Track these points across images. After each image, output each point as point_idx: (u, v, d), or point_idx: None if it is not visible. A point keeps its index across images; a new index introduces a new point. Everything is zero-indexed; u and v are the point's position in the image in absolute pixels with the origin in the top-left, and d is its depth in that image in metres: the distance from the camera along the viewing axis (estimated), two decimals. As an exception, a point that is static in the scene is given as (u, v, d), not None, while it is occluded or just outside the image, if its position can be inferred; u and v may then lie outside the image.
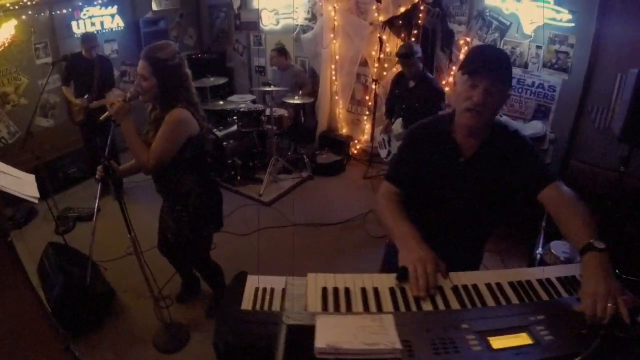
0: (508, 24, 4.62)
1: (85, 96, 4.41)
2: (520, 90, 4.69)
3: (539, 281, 1.34)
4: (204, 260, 2.93)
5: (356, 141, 5.95)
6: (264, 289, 1.30)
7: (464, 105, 1.50)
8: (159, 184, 2.54)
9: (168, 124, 2.26)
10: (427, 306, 1.22)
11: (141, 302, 3.23)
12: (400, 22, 5.18)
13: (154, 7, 6.07)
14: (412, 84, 3.83)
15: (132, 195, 4.92)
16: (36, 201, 2.83)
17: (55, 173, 4.92)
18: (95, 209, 2.34)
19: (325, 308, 1.20)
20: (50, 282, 2.98)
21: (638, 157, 3.45)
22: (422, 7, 4.95)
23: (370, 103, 5.65)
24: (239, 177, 5.11)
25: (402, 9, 5.08)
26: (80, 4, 5.21)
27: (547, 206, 1.52)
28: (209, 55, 6.64)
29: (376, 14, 5.23)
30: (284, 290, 1.29)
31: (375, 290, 1.29)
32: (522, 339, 1.07)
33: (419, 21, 5.01)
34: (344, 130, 6.03)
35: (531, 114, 4.69)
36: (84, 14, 5.28)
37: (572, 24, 4.21)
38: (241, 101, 5.60)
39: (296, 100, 5.15)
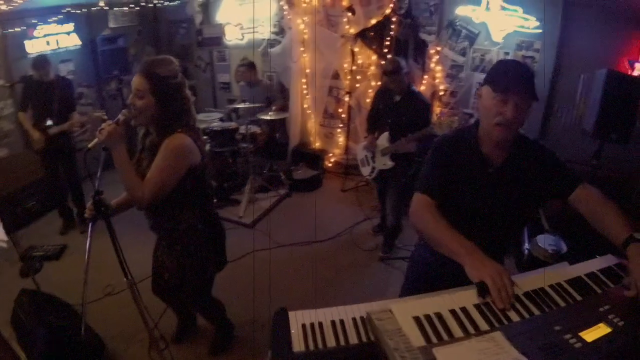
0: (477, 32, 4.80)
1: (48, 123, 4.02)
2: None
3: (587, 275, 1.42)
4: (205, 299, 2.65)
5: (330, 154, 5.87)
6: (312, 325, 1.28)
7: (496, 120, 1.56)
8: (154, 221, 2.23)
9: (167, 151, 1.96)
10: (514, 317, 1.23)
11: (133, 348, 2.90)
12: (372, 33, 5.19)
13: (111, 24, 5.71)
14: (397, 98, 3.74)
15: (97, 229, 4.42)
16: (5, 245, 2.52)
17: (13, 208, 4.44)
18: (87, 251, 1.98)
19: (428, 340, 1.14)
20: (28, 336, 2.60)
21: (608, 151, 3.65)
22: (394, 19, 4.97)
23: (343, 115, 5.60)
24: (214, 200, 4.84)
25: (374, 21, 5.12)
26: (34, 21, 4.81)
27: (579, 206, 1.61)
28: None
29: (347, 26, 5.21)
30: (333, 324, 1.29)
31: (464, 311, 1.26)
32: (602, 329, 1.13)
33: (392, 32, 5.01)
34: (317, 144, 5.95)
35: None
36: (38, 32, 4.88)
37: (539, 31, 4.45)
38: (209, 120, 5.34)
39: (270, 116, 4.98)
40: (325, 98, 5.64)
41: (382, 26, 5.09)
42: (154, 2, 5.95)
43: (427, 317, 1.22)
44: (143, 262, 2.55)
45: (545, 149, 1.70)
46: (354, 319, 1.34)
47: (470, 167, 1.68)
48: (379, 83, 5.27)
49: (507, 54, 4.69)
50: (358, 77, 5.38)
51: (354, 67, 5.28)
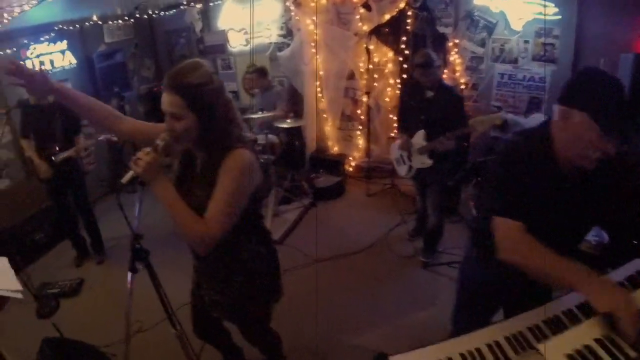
0: (495, 22, 4.65)
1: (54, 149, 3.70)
2: (512, 85, 4.75)
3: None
4: (265, 332, 2.31)
5: (350, 158, 5.60)
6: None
7: (594, 155, 1.41)
8: (211, 256, 1.79)
9: (234, 173, 1.61)
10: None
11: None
12: (387, 29, 4.97)
13: (106, 38, 5.38)
14: (430, 93, 3.50)
15: (114, 257, 4.27)
16: (20, 295, 2.21)
17: (20, 242, 4.10)
18: (127, 308, 1.65)
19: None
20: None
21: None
22: (409, 13, 4.75)
23: (362, 117, 5.34)
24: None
25: (388, 16, 4.91)
26: (25, 41, 4.47)
27: None
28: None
29: (360, 24, 4.97)
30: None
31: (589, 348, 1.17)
32: None
33: (408, 27, 4.78)
34: (336, 149, 5.69)
35: (525, 107, 4.73)
36: (31, 53, 4.56)
37: (559, 17, 4.32)
38: None
39: (288, 124, 4.69)
40: (342, 100, 5.41)
41: (397, 21, 4.89)
42: (149, 12, 5.63)
43: (579, 352, 1.16)
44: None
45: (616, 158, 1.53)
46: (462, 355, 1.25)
47: (544, 181, 1.51)
48: (398, 80, 5.07)
49: (526, 42, 4.57)
50: (375, 76, 5.16)
51: (370, 66, 5.04)
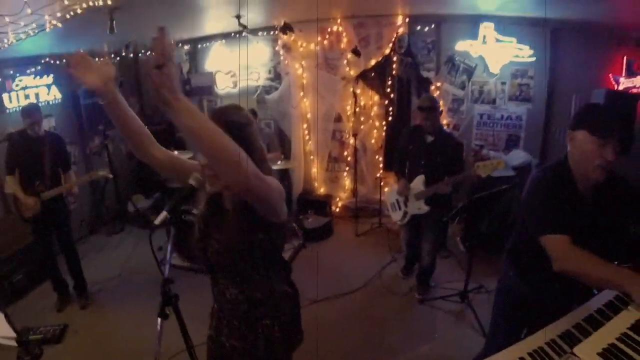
0: (474, 65, 4.97)
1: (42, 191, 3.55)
2: (491, 124, 5.05)
3: None
4: None
5: (337, 199, 5.61)
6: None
7: (597, 163, 1.70)
8: (239, 297, 1.75)
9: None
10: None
11: None
12: (373, 74, 5.15)
13: (92, 75, 5.26)
14: (430, 138, 3.55)
15: (99, 301, 4.00)
16: (14, 343, 2.04)
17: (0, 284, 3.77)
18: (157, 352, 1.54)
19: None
20: None
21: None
22: (394, 58, 4.96)
23: (349, 158, 5.42)
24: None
25: (373, 62, 5.10)
26: (11, 72, 4.34)
27: None
28: (155, 126, 5.87)
29: (347, 69, 5.12)
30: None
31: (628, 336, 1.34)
32: None
33: (393, 72, 4.99)
34: (322, 190, 5.68)
35: (504, 144, 5.03)
36: (17, 85, 4.41)
37: (533, 59, 4.69)
38: None
39: (279, 166, 4.71)
40: (329, 142, 5.49)
41: (383, 66, 5.11)
42: (135, 51, 5.62)
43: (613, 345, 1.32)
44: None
45: (619, 179, 1.86)
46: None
47: (569, 204, 1.76)
48: (384, 123, 5.21)
49: (503, 83, 4.90)
50: (361, 119, 5.30)
51: (356, 109, 5.17)
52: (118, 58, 5.53)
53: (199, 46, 5.76)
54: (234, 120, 1.56)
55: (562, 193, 1.79)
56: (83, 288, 3.97)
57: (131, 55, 5.65)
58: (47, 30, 3.23)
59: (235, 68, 5.67)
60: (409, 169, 3.70)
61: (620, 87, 4.36)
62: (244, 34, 5.29)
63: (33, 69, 4.59)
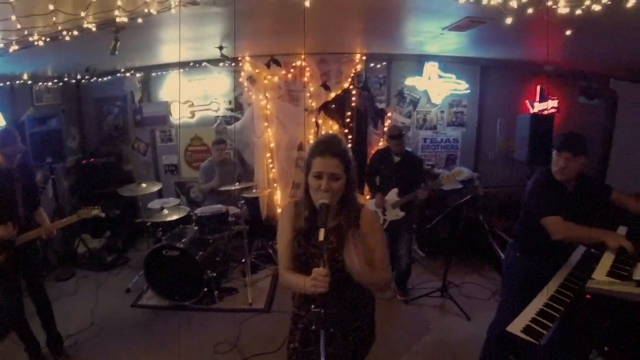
0: (419, 97, 5.82)
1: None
2: (433, 147, 5.98)
3: None
4: None
5: (300, 225, 5.68)
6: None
7: (554, 170, 2.56)
8: (334, 309, 1.85)
9: (377, 224, 1.95)
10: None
11: None
12: (334, 105, 5.45)
13: (36, 101, 4.75)
14: (397, 158, 4.24)
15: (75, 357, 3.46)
16: None
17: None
18: None
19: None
20: None
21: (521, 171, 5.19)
22: (353, 92, 5.33)
23: (312, 184, 5.55)
24: (215, 292, 4.21)
25: (334, 94, 5.38)
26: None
27: (618, 202, 2.59)
28: (101, 159, 5.39)
29: (310, 100, 5.34)
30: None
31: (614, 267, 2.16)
32: None
33: (353, 104, 5.34)
34: (285, 216, 5.69)
35: (444, 162, 6.01)
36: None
37: (468, 91, 5.73)
38: (168, 206, 4.68)
39: (253, 194, 4.73)
40: (292, 170, 5.62)
41: (343, 99, 5.52)
42: (77, 77, 5.15)
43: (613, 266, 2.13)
44: None
45: (590, 177, 2.65)
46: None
47: (559, 194, 2.56)
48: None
49: (442, 112, 5.84)
50: (324, 147, 5.47)
51: (318, 138, 5.36)
52: (60, 83, 5.03)
53: (153, 74, 5.56)
54: (344, 149, 1.82)
55: (554, 188, 2.56)
56: (59, 343, 3.44)
57: (73, 81, 5.16)
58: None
59: (193, 98, 5.56)
60: (382, 184, 4.34)
61: (535, 110, 5.58)
62: (204, 64, 5.24)
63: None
